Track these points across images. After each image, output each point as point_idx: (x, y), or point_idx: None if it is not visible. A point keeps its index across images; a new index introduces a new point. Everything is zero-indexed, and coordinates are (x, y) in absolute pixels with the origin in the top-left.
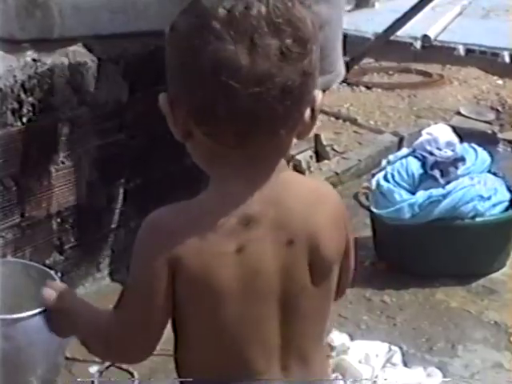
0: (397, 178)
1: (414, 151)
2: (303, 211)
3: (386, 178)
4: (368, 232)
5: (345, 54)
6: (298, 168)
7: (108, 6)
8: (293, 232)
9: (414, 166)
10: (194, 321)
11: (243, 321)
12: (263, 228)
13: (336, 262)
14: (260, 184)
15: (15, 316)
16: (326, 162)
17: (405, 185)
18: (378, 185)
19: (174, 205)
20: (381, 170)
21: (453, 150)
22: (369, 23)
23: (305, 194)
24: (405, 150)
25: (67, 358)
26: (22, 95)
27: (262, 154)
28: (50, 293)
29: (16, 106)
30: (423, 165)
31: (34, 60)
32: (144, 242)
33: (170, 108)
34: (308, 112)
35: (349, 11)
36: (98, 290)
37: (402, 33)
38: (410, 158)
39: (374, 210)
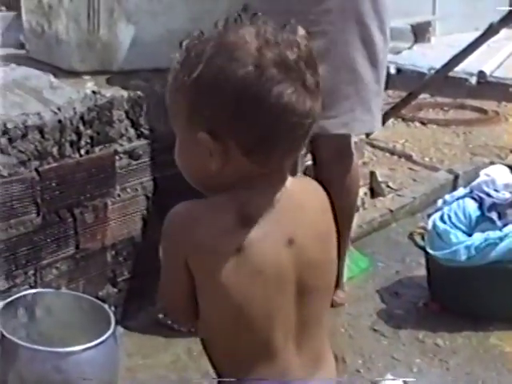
0: (453, 219)
1: (471, 192)
2: (301, 210)
3: (442, 219)
4: (421, 271)
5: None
6: None
7: (168, 39)
8: (294, 230)
9: (471, 208)
10: (213, 304)
11: (265, 306)
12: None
13: (334, 254)
14: (283, 191)
15: (68, 349)
16: (380, 198)
17: (461, 226)
18: (435, 225)
19: (200, 205)
20: (437, 211)
21: (511, 192)
22: (424, 58)
23: (298, 193)
24: (462, 191)
25: None
26: (81, 127)
27: (286, 168)
28: None
29: (74, 137)
30: (480, 206)
31: (93, 92)
32: (166, 242)
33: (214, 142)
34: None
35: (408, 48)
36: (151, 323)
37: (458, 68)
38: (467, 199)
39: (430, 250)
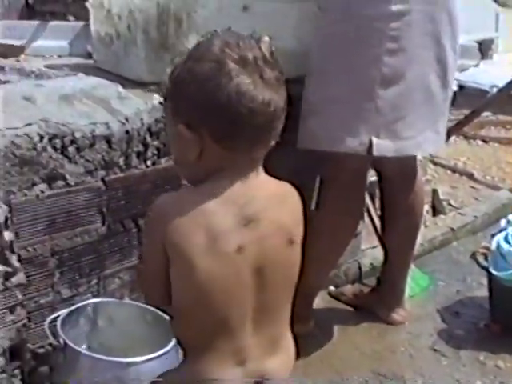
0: None
1: None
2: (275, 207)
3: (506, 240)
4: (482, 292)
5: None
6: None
7: None
8: (270, 230)
9: None
10: (180, 284)
11: (225, 293)
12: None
13: (297, 252)
14: (253, 181)
15: (129, 360)
16: (441, 216)
17: None
18: (499, 246)
19: (179, 196)
20: (501, 231)
21: None
22: (487, 75)
23: (275, 192)
24: None
25: None
26: (148, 138)
27: (257, 158)
28: None
29: (141, 148)
30: None
31: (161, 104)
32: (148, 226)
33: (189, 133)
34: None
35: (475, 66)
36: None
37: None
38: None
39: (493, 271)
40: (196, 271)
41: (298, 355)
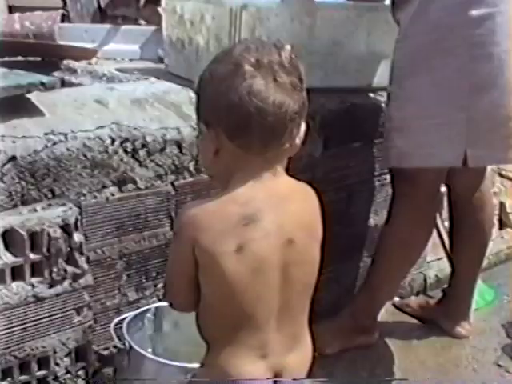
0: None
1: None
2: (299, 209)
3: None
4: None
5: None
6: None
7: (306, 60)
8: (292, 230)
9: None
10: (210, 286)
11: (251, 294)
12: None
13: (317, 253)
14: (269, 182)
15: (195, 365)
16: (508, 230)
17: None
18: None
19: (206, 203)
20: None
21: None
22: None
23: (296, 194)
24: None
25: None
26: None
27: (273, 160)
28: None
29: None
30: None
31: None
32: (178, 233)
33: (207, 131)
34: (300, 135)
35: None
36: None
37: None
38: None
39: None
40: (226, 275)
41: (315, 356)
